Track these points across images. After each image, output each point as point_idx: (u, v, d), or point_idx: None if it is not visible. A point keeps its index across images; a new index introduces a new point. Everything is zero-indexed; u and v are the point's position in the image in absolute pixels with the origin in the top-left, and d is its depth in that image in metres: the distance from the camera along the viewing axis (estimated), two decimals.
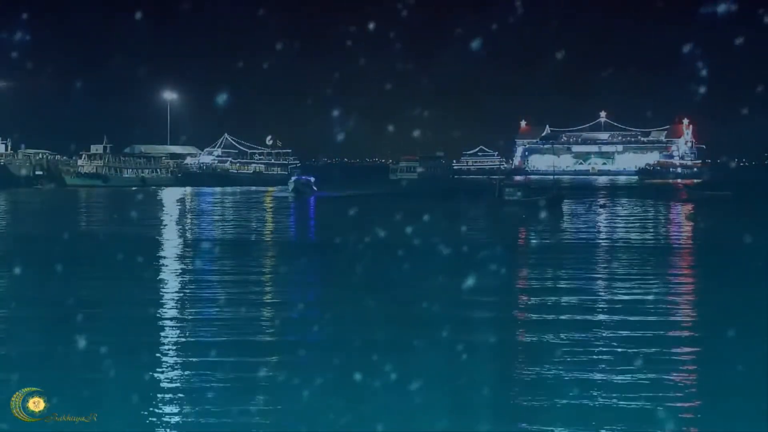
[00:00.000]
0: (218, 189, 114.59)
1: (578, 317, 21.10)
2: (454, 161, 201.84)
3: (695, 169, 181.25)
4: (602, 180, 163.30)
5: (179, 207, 76.74)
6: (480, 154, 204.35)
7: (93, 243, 41.41)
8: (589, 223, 54.00)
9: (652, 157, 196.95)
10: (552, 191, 77.31)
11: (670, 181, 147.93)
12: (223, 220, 60.01)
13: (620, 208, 71.21)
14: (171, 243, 41.45)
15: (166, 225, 54.74)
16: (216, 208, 75.48)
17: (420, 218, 49.38)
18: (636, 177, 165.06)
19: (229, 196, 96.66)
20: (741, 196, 78.42)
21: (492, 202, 71.24)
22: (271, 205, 79.54)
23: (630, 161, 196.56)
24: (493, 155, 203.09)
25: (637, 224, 53.53)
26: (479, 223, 55.74)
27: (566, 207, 67.61)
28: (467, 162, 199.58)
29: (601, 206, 70.70)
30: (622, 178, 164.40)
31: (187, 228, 53.12)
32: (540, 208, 62.12)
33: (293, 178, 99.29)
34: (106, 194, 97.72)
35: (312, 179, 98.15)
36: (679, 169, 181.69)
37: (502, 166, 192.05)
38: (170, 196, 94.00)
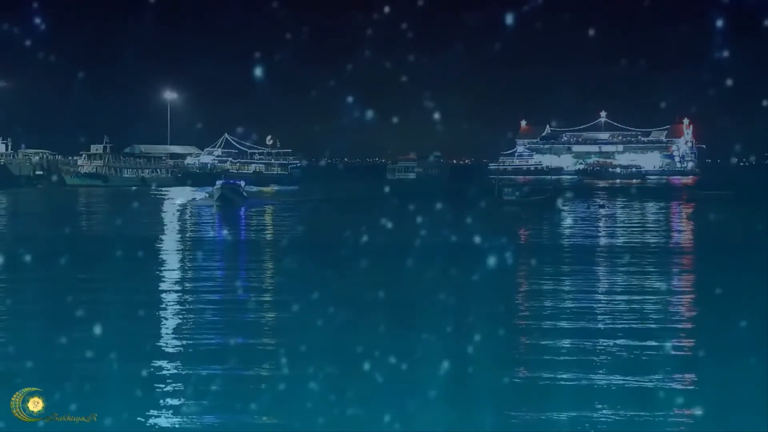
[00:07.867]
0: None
1: (569, 325, 21.12)
2: (454, 161, 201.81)
3: (633, 170, 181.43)
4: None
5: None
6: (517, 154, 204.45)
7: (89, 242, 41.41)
8: (586, 224, 53.94)
9: (653, 157, 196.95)
10: (551, 191, 77.30)
11: (609, 181, 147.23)
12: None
13: (619, 208, 71.18)
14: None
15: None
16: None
17: (387, 229, 41.71)
18: (576, 177, 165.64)
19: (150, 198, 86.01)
20: (743, 197, 78.06)
21: (491, 203, 70.99)
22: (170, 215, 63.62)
23: (630, 161, 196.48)
24: (531, 155, 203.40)
25: (636, 225, 53.49)
26: (469, 224, 51.53)
27: (565, 207, 67.53)
28: (504, 162, 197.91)
29: (600, 206, 70.67)
30: (563, 178, 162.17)
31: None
32: (538, 208, 62.03)
33: (219, 183, 77.07)
34: (101, 194, 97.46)
35: (242, 183, 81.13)
36: (618, 170, 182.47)
37: (539, 166, 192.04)
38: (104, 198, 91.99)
